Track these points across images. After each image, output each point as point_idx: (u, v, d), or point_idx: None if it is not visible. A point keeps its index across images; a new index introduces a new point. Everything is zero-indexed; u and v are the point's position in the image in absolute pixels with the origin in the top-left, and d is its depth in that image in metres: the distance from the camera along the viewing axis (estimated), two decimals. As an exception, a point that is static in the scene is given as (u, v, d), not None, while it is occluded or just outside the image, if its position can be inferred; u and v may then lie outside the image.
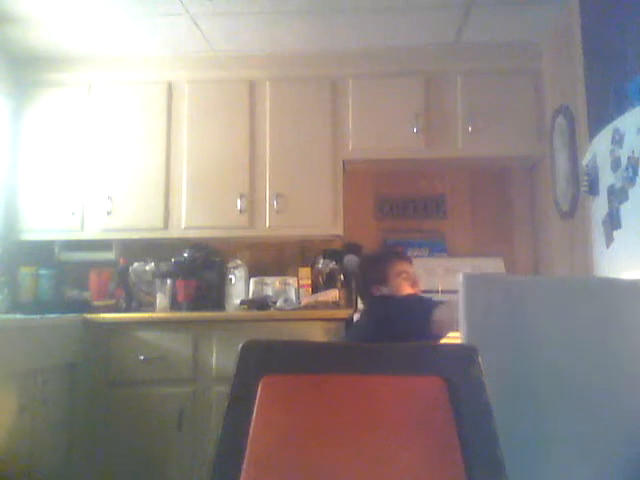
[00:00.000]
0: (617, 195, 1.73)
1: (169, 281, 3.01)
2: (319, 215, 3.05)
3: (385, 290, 2.01)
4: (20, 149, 3.16)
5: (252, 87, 3.16)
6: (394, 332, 1.66)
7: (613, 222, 1.76)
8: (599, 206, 1.88)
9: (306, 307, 2.90)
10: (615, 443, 1.19)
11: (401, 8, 2.75)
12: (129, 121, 3.17)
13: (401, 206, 3.41)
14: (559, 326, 1.23)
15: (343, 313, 2.80)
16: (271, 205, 3.06)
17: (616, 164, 1.73)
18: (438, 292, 2.49)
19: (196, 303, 2.99)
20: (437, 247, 3.30)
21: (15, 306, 2.94)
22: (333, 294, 2.99)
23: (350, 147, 3.09)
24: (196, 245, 3.17)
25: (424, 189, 3.40)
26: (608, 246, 1.80)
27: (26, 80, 3.20)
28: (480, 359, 1.00)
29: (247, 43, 3.08)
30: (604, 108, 2.02)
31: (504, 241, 3.32)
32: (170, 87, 3.18)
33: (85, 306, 2.92)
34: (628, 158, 1.66)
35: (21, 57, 3.16)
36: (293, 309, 2.87)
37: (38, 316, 2.56)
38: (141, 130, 3.16)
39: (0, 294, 2.90)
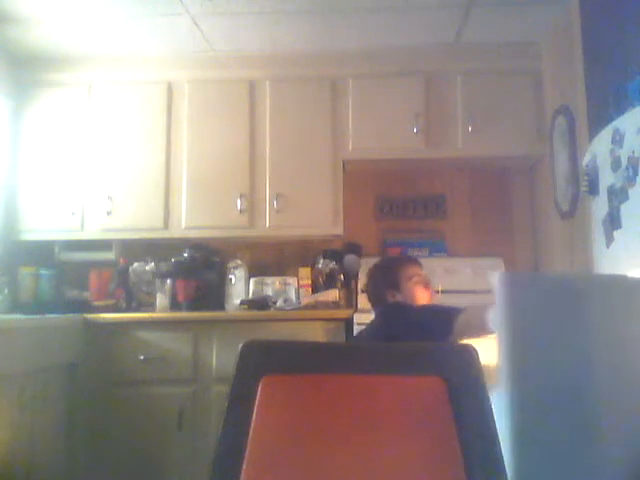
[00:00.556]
0: (617, 195, 1.73)
1: (169, 281, 3.01)
2: (319, 215, 3.05)
3: (399, 296, 1.96)
4: (20, 149, 3.16)
5: (252, 87, 3.16)
6: None
7: (613, 222, 1.76)
8: (599, 206, 1.88)
9: (306, 307, 2.89)
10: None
11: (401, 8, 2.75)
12: (129, 121, 3.17)
13: (401, 206, 3.41)
14: (618, 327, 1.11)
15: (343, 313, 2.80)
16: (271, 205, 3.06)
17: (616, 164, 1.73)
18: (438, 292, 2.48)
19: (196, 303, 2.99)
20: (437, 247, 3.30)
21: (15, 306, 2.93)
22: (333, 294, 2.98)
23: (350, 147, 3.09)
24: (196, 245, 3.17)
25: (424, 189, 3.40)
26: (608, 246, 1.80)
27: (26, 80, 3.20)
28: (480, 359, 1.00)
29: (247, 43, 3.08)
30: (604, 108, 2.02)
31: (504, 241, 3.32)
32: (170, 87, 3.18)
33: (85, 306, 2.92)
34: (628, 158, 1.66)
35: (21, 57, 3.16)
36: (293, 309, 2.87)
37: (38, 316, 2.56)
38: (141, 130, 3.16)
39: (0, 294, 2.90)
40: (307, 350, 1.09)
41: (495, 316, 1.17)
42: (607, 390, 1.07)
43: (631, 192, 1.65)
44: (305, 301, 2.96)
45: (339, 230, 3.07)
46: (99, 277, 3.15)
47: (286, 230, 3.09)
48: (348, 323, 2.73)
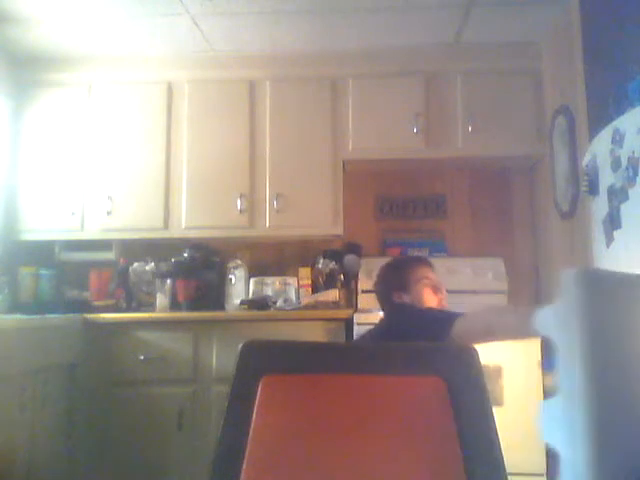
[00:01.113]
0: (617, 195, 1.73)
1: (169, 281, 3.01)
2: (319, 215, 3.05)
3: (406, 297, 1.90)
4: (20, 149, 3.16)
5: (252, 87, 3.16)
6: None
7: (613, 222, 1.76)
8: (599, 206, 1.88)
9: (306, 307, 2.89)
10: None
11: (401, 8, 2.75)
12: (129, 121, 3.17)
13: (401, 206, 3.41)
14: None
15: (343, 313, 2.79)
16: (271, 205, 3.06)
17: (616, 164, 1.73)
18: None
19: (196, 303, 2.99)
20: (437, 247, 3.30)
21: (15, 306, 2.93)
22: (333, 294, 2.98)
23: (350, 147, 3.09)
24: (196, 245, 3.17)
25: (424, 189, 3.40)
26: (608, 246, 1.80)
27: (26, 80, 3.20)
28: (480, 359, 1.00)
29: (247, 43, 3.08)
30: (604, 108, 2.02)
31: (504, 241, 3.32)
32: (170, 87, 3.18)
33: (85, 306, 2.92)
34: (628, 158, 1.66)
35: (21, 57, 3.16)
36: (293, 309, 2.87)
37: (38, 316, 2.55)
38: (141, 130, 3.16)
39: (0, 294, 2.90)
40: (307, 350, 1.09)
41: (544, 318, 1.08)
42: None
43: (631, 192, 1.65)
44: (305, 301, 2.96)
45: (339, 230, 3.06)
46: (99, 277, 3.15)
47: (286, 230, 3.09)
48: (348, 323, 2.73)
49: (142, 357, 2.67)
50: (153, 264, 3.12)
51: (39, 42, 3.04)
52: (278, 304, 2.90)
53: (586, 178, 2.00)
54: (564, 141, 2.66)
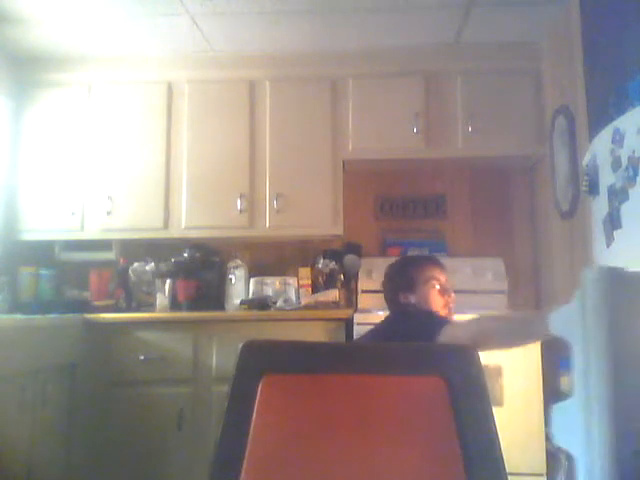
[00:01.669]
0: (617, 195, 1.73)
1: (169, 281, 3.01)
2: (319, 215, 3.05)
3: (412, 298, 1.83)
4: (20, 149, 3.16)
5: (252, 87, 3.16)
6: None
7: (613, 222, 1.76)
8: (599, 206, 1.88)
9: (306, 307, 2.89)
10: None
11: (401, 8, 2.75)
12: (129, 121, 3.17)
13: (401, 206, 3.41)
14: None
15: (343, 313, 2.79)
16: (271, 205, 3.06)
17: (616, 164, 1.73)
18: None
19: (196, 303, 2.99)
20: (437, 247, 3.29)
21: (15, 306, 2.93)
22: (333, 294, 2.98)
23: (350, 147, 3.09)
24: (196, 245, 3.17)
25: (424, 189, 3.40)
26: (608, 246, 1.80)
27: (26, 80, 3.20)
28: (480, 359, 1.00)
29: (247, 43, 3.08)
30: (604, 108, 2.02)
31: (504, 241, 3.32)
32: (170, 87, 3.18)
33: (85, 306, 2.92)
34: (628, 158, 1.66)
35: (21, 57, 3.16)
36: (293, 309, 2.87)
37: (38, 316, 2.56)
38: (141, 130, 3.16)
39: (0, 294, 2.90)
40: (307, 350, 1.09)
41: (559, 319, 1.06)
42: None
43: (631, 192, 1.65)
44: (305, 301, 2.96)
45: (339, 230, 3.06)
46: (99, 277, 3.15)
47: (286, 230, 3.09)
48: (348, 323, 2.73)
49: (142, 357, 2.67)
50: (153, 264, 3.12)
51: (39, 42, 3.04)
52: (278, 304, 2.90)
53: (586, 178, 1.99)
54: (564, 141, 2.66)
